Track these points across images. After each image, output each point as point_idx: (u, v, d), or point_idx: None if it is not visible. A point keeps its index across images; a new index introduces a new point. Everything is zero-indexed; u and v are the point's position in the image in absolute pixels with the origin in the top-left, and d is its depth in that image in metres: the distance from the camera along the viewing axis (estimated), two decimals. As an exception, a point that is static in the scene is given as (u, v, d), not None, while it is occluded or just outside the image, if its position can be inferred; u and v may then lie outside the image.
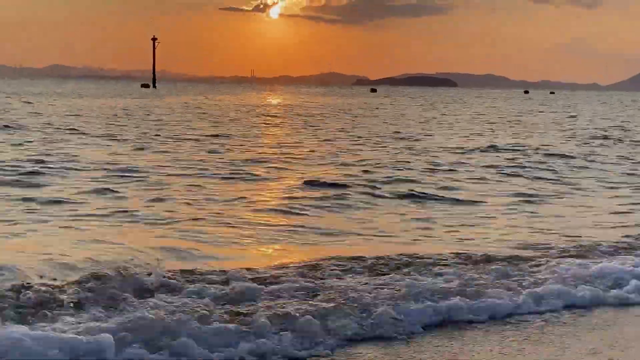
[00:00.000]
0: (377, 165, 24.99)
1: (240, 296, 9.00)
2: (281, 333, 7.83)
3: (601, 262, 11.39)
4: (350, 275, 10.27)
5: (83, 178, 20.03)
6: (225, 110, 70.08)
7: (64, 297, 8.57)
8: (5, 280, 8.98)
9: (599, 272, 10.67)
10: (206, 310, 8.38)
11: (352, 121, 55.37)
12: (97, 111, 59.97)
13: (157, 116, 55.10)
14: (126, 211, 15.18)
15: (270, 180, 20.95)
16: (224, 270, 10.25)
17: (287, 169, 23.84)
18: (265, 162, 25.70)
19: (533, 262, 11.34)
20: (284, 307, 8.51)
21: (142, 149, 28.97)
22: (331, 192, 18.61)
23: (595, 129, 51.28)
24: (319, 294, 9.15)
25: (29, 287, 8.77)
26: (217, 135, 36.81)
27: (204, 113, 63.25)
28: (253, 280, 9.77)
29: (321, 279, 9.97)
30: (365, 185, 19.81)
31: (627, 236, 13.80)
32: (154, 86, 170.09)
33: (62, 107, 64.71)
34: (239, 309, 8.47)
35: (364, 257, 11.29)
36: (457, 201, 18.02)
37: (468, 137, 40.62)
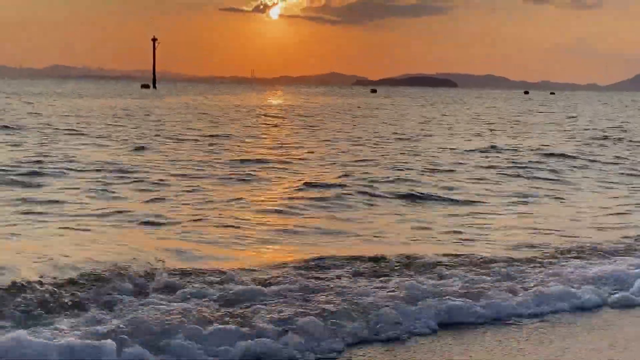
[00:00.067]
0: (377, 166, 24.99)
1: (241, 297, 8.99)
2: (286, 334, 7.81)
3: (602, 263, 11.40)
4: (351, 276, 10.27)
5: (82, 179, 20.01)
6: (226, 111, 70.06)
7: (63, 298, 8.57)
8: (5, 280, 8.97)
9: (602, 274, 10.65)
10: (206, 311, 8.39)
11: (352, 122, 55.35)
12: (97, 112, 59.96)
13: (157, 117, 55.10)
14: (125, 212, 15.18)
15: (270, 181, 20.93)
16: (224, 271, 10.25)
17: (287, 169, 23.83)
18: (265, 162, 25.68)
19: (534, 263, 11.34)
20: (285, 308, 8.51)
21: (141, 148, 28.95)
22: (331, 192, 18.60)
23: (595, 129, 51.28)
24: (320, 295, 9.14)
25: (28, 287, 8.78)
26: (216, 136, 36.80)
27: (203, 113, 63.25)
28: (253, 280, 9.78)
29: (322, 279, 9.97)
30: (365, 186, 19.78)
31: (626, 237, 13.79)
32: (154, 86, 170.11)
33: (62, 108, 64.72)
34: (239, 310, 8.46)
35: (364, 257, 11.31)
36: (457, 202, 18.00)
37: (468, 137, 40.60)
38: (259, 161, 25.97)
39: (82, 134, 35.34)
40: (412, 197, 18.39)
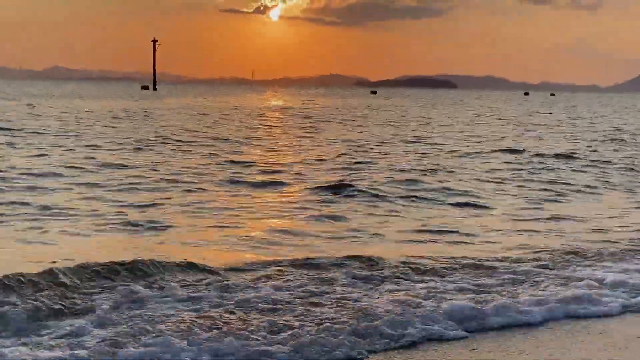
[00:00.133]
0: (382, 168, 24.96)
1: (247, 303, 8.96)
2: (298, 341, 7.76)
3: (615, 266, 11.40)
4: (355, 279, 10.21)
5: (82, 180, 20.00)
6: (226, 112, 70.02)
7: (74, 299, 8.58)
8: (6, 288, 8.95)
9: (617, 278, 10.61)
10: (215, 317, 8.39)
11: (353, 122, 55.31)
12: (97, 113, 59.93)
13: (156, 118, 55.06)
14: (122, 214, 15.16)
15: (270, 183, 20.87)
16: (226, 275, 10.27)
17: (287, 171, 23.79)
18: (264, 164, 25.68)
19: (541, 266, 11.30)
20: (288, 317, 8.46)
21: (139, 149, 28.95)
22: (336, 195, 18.59)
23: (596, 131, 51.27)
24: (327, 301, 9.10)
25: (25, 295, 8.79)
26: (215, 138, 36.78)
27: (203, 114, 63.21)
28: (257, 283, 9.78)
29: (331, 284, 9.93)
30: (370, 188, 19.73)
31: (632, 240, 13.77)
32: (154, 88, 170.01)
33: (62, 109, 64.67)
34: (245, 317, 8.46)
35: (362, 257, 11.33)
36: (466, 205, 17.89)
37: (473, 139, 40.56)
38: (258, 163, 25.95)
39: (82, 136, 35.31)
40: (419, 200, 18.33)
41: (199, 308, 8.69)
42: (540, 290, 9.91)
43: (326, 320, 8.29)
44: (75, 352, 7.16)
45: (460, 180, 22.37)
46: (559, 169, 26.15)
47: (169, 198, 17.59)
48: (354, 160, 27.07)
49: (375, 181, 21.19)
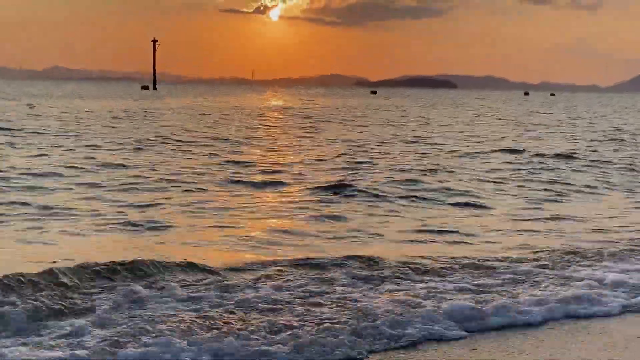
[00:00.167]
0: (382, 168, 24.94)
1: (248, 304, 8.96)
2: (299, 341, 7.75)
3: (615, 266, 11.39)
4: (358, 280, 10.19)
5: (82, 180, 19.99)
6: (226, 112, 69.96)
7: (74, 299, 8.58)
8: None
9: (618, 279, 10.58)
10: (216, 317, 8.39)
11: (353, 122, 55.25)
12: (97, 113, 59.89)
13: (156, 118, 55.03)
14: (122, 214, 15.16)
15: (272, 184, 20.84)
16: (226, 275, 10.26)
17: (289, 172, 23.77)
18: (264, 165, 25.66)
19: (540, 266, 11.28)
20: (290, 317, 8.47)
21: (139, 149, 28.94)
22: (336, 195, 18.58)
23: (596, 131, 51.25)
24: (327, 301, 9.10)
25: (25, 295, 8.79)
26: (215, 138, 36.76)
27: (203, 114, 63.16)
28: (255, 284, 9.78)
29: (331, 284, 9.92)
30: (370, 188, 19.72)
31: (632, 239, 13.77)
32: (154, 88, 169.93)
33: (62, 109, 64.63)
34: (246, 318, 8.46)
35: (363, 257, 11.32)
36: (466, 205, 17.87)
37: (473, 139, 40.54)
38: (258, 163, 25.94)
39: (82, 137, 35.29)
40: (420, 200, 18.32)
41: (199, 308, 8.68)
42: (540, 290, 9.91)
43: (326, 320, 8.28)
44: (76, 352, 7.16)
45: (460, 180, 22.35)
46: (559, 169, 26.13)
47: (169, 198, 17.57)
48: (353, 160, 27.04)
49: (375, 181, 21.16)
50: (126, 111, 64.90)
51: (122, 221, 14.28)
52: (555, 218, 16.25)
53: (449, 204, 17.90)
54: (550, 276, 10.68)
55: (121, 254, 10.96)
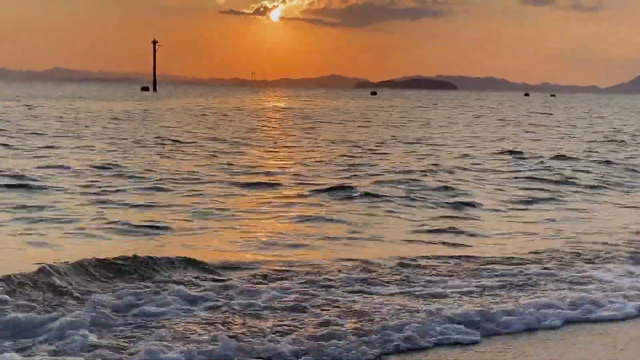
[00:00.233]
0: (382, 169, 24.86)
1: (257, 308, 8.87)
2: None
3: (620, 268, 11.29)
4: (364, 282, 10.11)
5: (81, 181, 19.92)
6: (226, 113, 69.89)
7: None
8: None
9: (624, 281, 10.47)
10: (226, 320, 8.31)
11: (353, 123, 55.18)
12: (97, 114, 59.83)
13: (156, 119, 54.98)
14: (124, 216, 15.08)
15: (272, 185, 20.75)
16: (225, 277, 10.18)
17: (288, 173, 23.69)
18: (266, 166, 25.60)
19: (544, 268, 11.16)
20: (299, 318, 8.41)
21: (139, 150, 28.88)
22: (336, 196, 18.52)
23: (597, 132, 51.21)
24: (334, 302, 9.02)
25: (21, 295, 8.70)
26: (216, 139, 36.71)
27: (203, 115, 63.12)
28: (260, 285, 9.70)
29: (332, 286, 9.83)
30: (370, 189, 19.64)
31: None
32: (155, 89, 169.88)
33: (61, 110, 64.58)
34: (252, 321, 8.38)
35: (375, 261, 11.27)
36: (467, 205, 17.78)
37: (473, 140, 40.48)
38: (258, 164, 25.87)
39: (81, 138, 35.24)
40: (415, 199, 18.25)
41: (199, 309, 8.61)
42: (544, 293, 9.78)
43: (328, 323, 8.18)
44: (73, 353, 7.07)
45: (460, 180, 22.28)
46: (559, 169, 26.03)
47: (169, 199, 17.50)
48: (353, 161, 26.97)
49: (375, 182, 21.10)
50: (126, 112, 64.84)
51: (120, 222, 14.19)
52: (556, 219, 16.19)
53: (449, 204, 17.81)
54: (555, 279, 10.56)
55: (119, 255, 10.87)
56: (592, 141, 41.19)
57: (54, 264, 9.78)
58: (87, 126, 43.66)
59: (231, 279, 10.01)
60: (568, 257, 12.08)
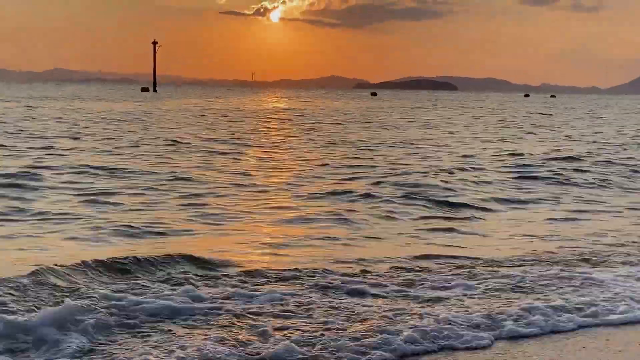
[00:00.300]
0: (382, 170, 24.79)
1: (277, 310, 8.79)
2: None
3: (626, 270, 11.15)
4: (367, 285, 9.99)
5: (80, 182, 19.84)
6: (226, 114, 69.83)
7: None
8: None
9: (631, 284, 10.31)
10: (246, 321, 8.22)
11: (354, 124, 55.14)
12: (97, 115, 59.77)
13: (156, 120, 54.93)
14: (124, 218, 15.00)
15: (273, 186, 20.68)
16: (225, 279, 10.08)
17: (289, 174, 23.62)
18: (266, 167, 25.54)
19: (549, 271, 11.02)
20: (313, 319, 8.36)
21: (139, 151, 28.81)
22: (337, 197, 18.45)
23: (598, 133, 51.18)
24: (337, 307, 8.90)
25: (16, 299, 8.61)
26: (216, 140, 36.65)
27: (203, 116, 63.07)
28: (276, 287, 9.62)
29: (333, 289, 9.73)
30: (371, 190, 19.57)
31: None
32: (155, 90, 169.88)
33: (61, 111, 64.53)
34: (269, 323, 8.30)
35: (377, 263, 11.17)
36: (467, 206, 17.70)
37: (473, 141, 40.43)
38: (258, 166, 25.81)
39: (81, 139, 35.18)
40: (416, 200, 18.16)
41: (199, 310, 8.52)
42: (551, 296, 9.64)
43: (329, 327, 8.07)
44: (71, 356, 7.00)
45: (460, 180, 22.20)
46: (560, 170, 25.95)
47: (169, 200, 17.42)
48: (354, 162, 26.90)
49: (375, 183, 21.04)
50: (126, 113, 64.80)
51: (119, 224, 14.10)
52: (558, 220, 16.12)
53: (450, 205, 17.72)
54: (561, 281, 10.41)
55: (118, 255, 10.79)
56: (592, 142, 41.12)
57: (51, 266, 9.70)
58: (85, 127, 43.59)
59: (230, 282, 9.92)
60: (571, 258, 11.99)
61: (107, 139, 35.02)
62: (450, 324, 8.32)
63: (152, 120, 53.62)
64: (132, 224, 14.04)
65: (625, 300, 9.56)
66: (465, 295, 9.61)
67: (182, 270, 10.42)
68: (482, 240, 13.73)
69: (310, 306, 8.87)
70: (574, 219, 16.37)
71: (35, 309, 8.12)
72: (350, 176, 22.79)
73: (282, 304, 8.92)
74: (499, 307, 9.08)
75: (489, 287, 10.03)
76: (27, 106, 71.28)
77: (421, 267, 11.08)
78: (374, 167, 25.59)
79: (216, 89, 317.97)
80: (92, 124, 46.48)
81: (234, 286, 9.65)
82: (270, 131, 46.35)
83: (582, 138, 44.54)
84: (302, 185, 20.62)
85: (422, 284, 10.07)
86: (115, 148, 30.19)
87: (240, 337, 7.76)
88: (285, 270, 10.61)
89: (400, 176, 22.87)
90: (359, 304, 9.09)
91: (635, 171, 26.32)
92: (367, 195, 18.61)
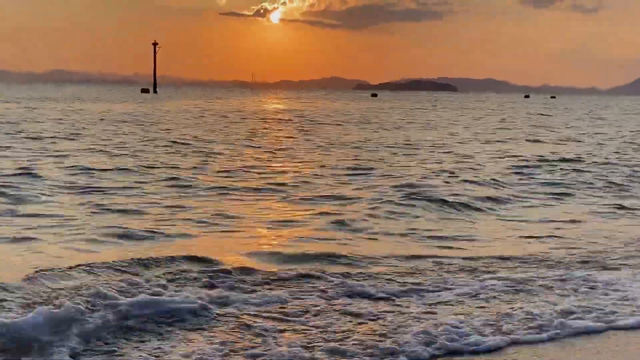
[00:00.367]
0: (383, 171, 24.74)
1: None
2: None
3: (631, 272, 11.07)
4: (375, 284, 9.95)
5: (78, 184, 19.77)
6: (226, 115, 69.81)
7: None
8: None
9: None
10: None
11: (354, 125, 55.12)
12: (96, 116, 59.73)
13: (156, 121, 54.89)
14: (122, 221, 14.94)
15: (273, 188, 20.59)
16: (225, 280, 10.01)
17: (289, 176, 23.56)
18: (266, 168, 25.48)
19: (556, 274, 10.91)
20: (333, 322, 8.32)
21: (138, 153, 28.76)
22: (337, 199, 18.39)
23: (598, 134, 51.14)
24: (340, 313, 8.79)
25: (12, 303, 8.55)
26: (216, 141, 36.62)
27: (203, 117, 63.03)
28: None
29: (334, 292, 9.65)
30: (371, 190, 19.52)
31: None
32: (155, 91, 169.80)
33: (61, 112, 64.50)
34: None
35: (378, 262, 11.04)
36: (469, 207, 17.63)
37: (474, 142, 40.40)
38: (258, 167, 25.75)
39: (79, 140, 35.14)
40: (416, 201, 18.09)
41: (198, 312, 8.46)
42: (558, 299, 9.53)
43: (334, 331, 8.00)
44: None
45: (461, 181, 22.13)
46: (560, 171, 25.90)
47: (167, 201, 17.35)
48: (354, 164, 26.84)
49: (375, 183, 20.98)
50: (125, 114, 64.76)
51: (117, 226, 14.02)
52: (559, 220, 16.05)
53: (451, 206, 17.65)
54: (567, 283, 10.31)
55: (117, 258, 10.72)
56: (594, 143, 41.08)
57: (49, 268, 9.64)
58: (84, 128, 43.53)
59: (231, 282, 9.85)
60: (573, 260, 11.91)
61: (107, 140, 34.95)
62: (454, 327, 8.22)
63: (151, 121, 53.56)
64: (130, 226, 13.97)
65: (636, 303, 9.43)
66: (468, 297, 9.52)
67: (181, 271, 10.34)
68: (483, 242, 13.65)
69: (311, 308, 8.80)
70: (575, 220, 16.30)
71: (31, 311, 8.03)
72: (351, 177, 22.72)
73: (282, 306, 8.86)
74: (503, 310, 8.98)
75: (492, 289, 9.95)
76: (27, 107, 71.22)
77: (422, 269, 11.01)
78: (374, 168, 25.53)
79: (216, 90, 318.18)
80: (92, 125, 46.44)
81: (233, 288, 9.59)
82: (271, 132, 46.30)
83: (582, 139, 44.48)
84: (302, 186, 20.56)
85: (424, 286, 9.99)
86: (115, 149, 30.13)
87: (241, 339, 7.69)
88: (285, 271, 10.54)
89: (400, 177, 22.81)
90: (360, 305, 9.02)
91: (636, 171, 26.26)
92: (367, 196, 18.54)
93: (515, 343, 8.02)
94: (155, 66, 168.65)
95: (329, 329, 8.12)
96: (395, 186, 20.63)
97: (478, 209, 17.50)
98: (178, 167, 24.29)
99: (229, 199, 18.12)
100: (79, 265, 10.19)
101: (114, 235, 13.17)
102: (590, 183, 23.05)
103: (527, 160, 29.34)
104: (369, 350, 7.49)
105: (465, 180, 22.58)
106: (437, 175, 23.57)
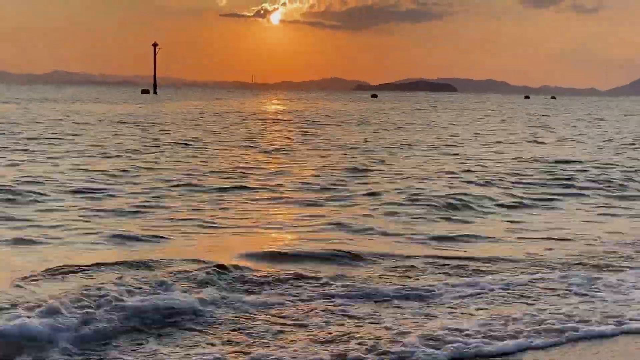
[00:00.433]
0: (383, 172, 24.71)
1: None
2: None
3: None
4: (376, 286, 9.88)
5: (77, 185, 19.74)
6: (227, 116, 69.79)
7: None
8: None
9: None
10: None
11: (354, 126, 55.09)
12: (96, 117, 59.69)
13: (156, 122, 54.85)
14: (120, 224, 14.89)
15: (273, 189, 20.58)
16: (225, 282, 9.98)
17: (290, 177, 23.53)
18: (267, 169, 25.45)
19: (561, 276, 10.81)
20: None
21: (137, 154, 28.73)
22: (338, 200, 18.36)
23: (599, 135, 51.13)
24: (344, 317, 8.72)
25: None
26: (216, 142, 36.57)
27: (203, 118, 63.00)
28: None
29: (335, 296, 9.61)
30: (372, 191, 19.48)
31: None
32: (155, 92, 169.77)
33: (60, 113, 64.47)
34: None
35: (378, 263, 11.00)
36: (469, 208, 17.60)
37: (474, 143, 40.37)
38: (259, 168, 25.72)
39: (79, 141, 35.10)
40: (417, 202, 18.07)
41: (199, 313, 8.44)
42: (564, 301, 9.47)
43: (337, 333, 7.95)
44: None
45: (463, 182, 22.10)
46: (562, 171, 25.86)
47: (166, 203, 17.32)
48: (354, 165, 26.80)
49: (375, 183, 20.94)
50: (125, 115, 64.72)
51: (116, 228, 13.99)
52: (560, 222, 16.01)
53: (452, 207, 17.62)
54: (572, 287, 10.23)
55: (115, 260, 10.69)
56: (595, 143, 41.03)
57: (47, 268, 9.61)
58: (84, 129, 43.50)
59: (231, 283, 9.83)
60: (575, 262, 11.86)
61: (106, 142, 34.91)
62: (457, 330, 8.16)
63: (151, 122, 53.52)
64: (129, 227, 13.95)
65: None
66: (470, 298, 9.47)
67: (180, 272, 10.30)
68: (484, 243, 13.61)
69: (311, 309, 8.77)
70: (575, 221, 16.27)
71: (30, 313, 8.01)
72: (351, 178, 22.68)
73: (282, 307, 8.82)
74: (505, 312, 8.93)
75: (495, 292, 9.89)
76: (27, 108, 71.21)
77: (425, 271, 10.96)
78: (376, 169, 25.49)
79: (216, 91, 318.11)
80: (92, 127, 46.39)
81: (232, 289, 9.56)
82: (272, 133, 46.25)
83: (583, 140, 44.43)
84: (302, 186, 20.52)
85: (426, 288, 9.94)
86: (114, 150, 30.10)
87: (240, 340, 7.66)
88: (284, 272, 10.51)
89: (400, 178, 22.79)
90: (360, 306, 8.98)
91: (636, 171, 26.22)
92: (369, 198, 18.51)
93: (523, 347, 7.93)
94: (156, 67, 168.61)
95: (329, 330, 8.08)
96: (395, 187, 20.61)
97: (478, 210, 17.47)
98: (178, 168, 24.25)
99: (229, 199, 18.09)
100: (78, 266, 10.17)
101: (112, 237, 13.12)
102: (591, 183, 23.02)
103: (527, 161, 29.31)
104: (371, 354, 7.44)
105: (466, 181, 22.56)
106: (437, 176, 23.54)
